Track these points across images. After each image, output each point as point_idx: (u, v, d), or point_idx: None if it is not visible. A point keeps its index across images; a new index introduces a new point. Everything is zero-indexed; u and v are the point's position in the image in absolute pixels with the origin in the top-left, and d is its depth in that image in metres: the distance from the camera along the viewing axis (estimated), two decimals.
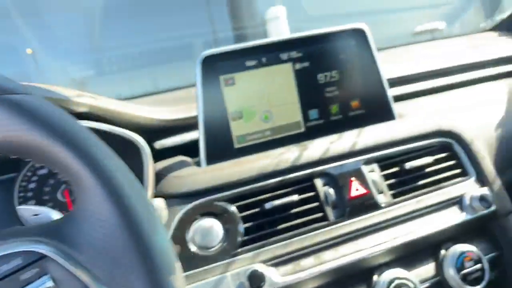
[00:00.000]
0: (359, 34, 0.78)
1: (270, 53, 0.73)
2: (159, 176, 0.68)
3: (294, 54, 0.74)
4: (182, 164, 0.70)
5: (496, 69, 0.98)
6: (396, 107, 0.80)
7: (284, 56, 0.74)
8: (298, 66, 0.74)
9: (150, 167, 0.60)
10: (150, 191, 0.60)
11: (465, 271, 0.65)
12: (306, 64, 0.75)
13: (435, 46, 1.15)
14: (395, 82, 0.89)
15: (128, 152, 0.63)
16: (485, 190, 0.72)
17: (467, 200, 0.71)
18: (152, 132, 0.73)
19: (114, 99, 0.79)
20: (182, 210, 0.62)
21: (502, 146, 0.81)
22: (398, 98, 0.88)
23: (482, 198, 0.70)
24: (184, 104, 0.79)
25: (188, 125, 0.75)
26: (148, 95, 0.95)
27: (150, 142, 0.75)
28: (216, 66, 0.70)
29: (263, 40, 0.72)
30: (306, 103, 0.75)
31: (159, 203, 0.49)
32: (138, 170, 0.62)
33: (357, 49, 0.78)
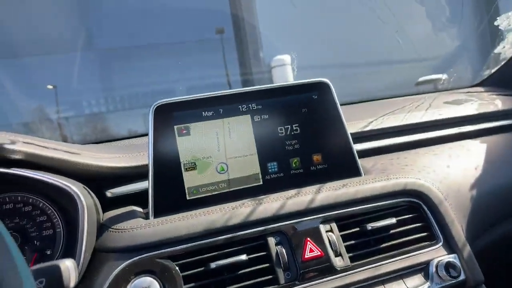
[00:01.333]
0: (323, 88, 0.77)
1: (228, 105, 0.72)
2: (103, 227, 0.64)
3: (253, 106, 0.73)
4: (130, 215, 0.67)
5: (474, 127, 0.95)
6: (364, 163, 0.77)
7: (242, 107, 0.72)
8: (257, 118, 0.73)
9: (85, 218, 0.56)
10: (84, 244, 0.56)
11: None
12: (265, 116, 0.73)
13: (415, 100, 1.13)
14: (363, 136, 0.86)
15: (67, 201, 0.60)
16: (453, 258, 0.67)
17: (433, 268, 0.65)
18: (103, 180, 0.71)
19: (72, 143, 0.78)
20: (119, 266, 0.58)
21: (475, 209, 0.76)
22: (367, 153, 0.85)
23: (450, 266, 0.65)
24: (143, 151, 0.77)
25: (142, 173, 0.72)
26: (120, 139, 0.93)
27: (101, 190, 0.72)
28: (171, 115, 0.69)
29: (221, 92, 0.71)
30: (265, 155, 0.72)
31: (69, 263, 0.45)
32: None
33: (320, 103, 0.76)
